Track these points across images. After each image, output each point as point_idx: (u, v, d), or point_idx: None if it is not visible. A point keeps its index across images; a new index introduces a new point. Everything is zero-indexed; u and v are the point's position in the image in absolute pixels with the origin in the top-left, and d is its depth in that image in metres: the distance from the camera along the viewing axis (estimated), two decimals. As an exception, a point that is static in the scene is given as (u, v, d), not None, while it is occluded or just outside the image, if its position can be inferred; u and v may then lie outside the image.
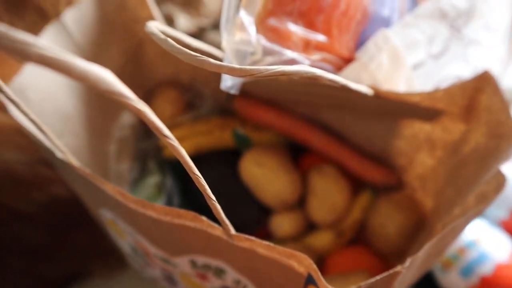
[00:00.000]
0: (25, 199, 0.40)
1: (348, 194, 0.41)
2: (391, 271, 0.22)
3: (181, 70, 0.45)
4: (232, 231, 0.23)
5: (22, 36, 0.11)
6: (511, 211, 0.49)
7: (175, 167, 0.46)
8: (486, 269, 0.43)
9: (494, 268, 0.43)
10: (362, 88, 0.28)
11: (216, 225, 0.24)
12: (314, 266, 0.22)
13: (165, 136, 0.15)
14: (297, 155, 0.48)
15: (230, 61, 0.28)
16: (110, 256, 0.52)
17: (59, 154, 0.27)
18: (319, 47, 0.30)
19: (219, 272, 0.30)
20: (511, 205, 0.49)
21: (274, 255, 0.24)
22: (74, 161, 0.27)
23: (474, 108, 0.32)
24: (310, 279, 0.24)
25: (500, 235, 0.47)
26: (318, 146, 0.44)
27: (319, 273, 0.22)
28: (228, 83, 0.27)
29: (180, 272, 0.35)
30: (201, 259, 0.30)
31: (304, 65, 0.22)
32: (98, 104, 0.40)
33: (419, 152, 0.39)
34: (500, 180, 0.25)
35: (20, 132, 0.37)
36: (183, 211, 0.24)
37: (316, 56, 0.30)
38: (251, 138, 0.46)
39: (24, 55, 0.11)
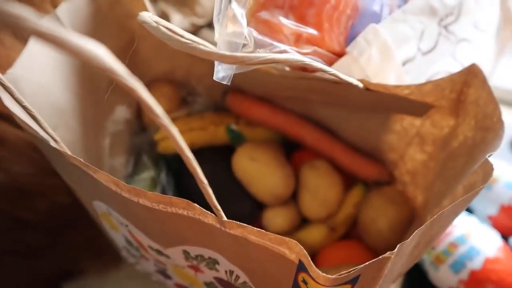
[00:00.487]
0: (28, 208, 0.41)
1: (340, 189, 0.42)
2: (380, 257, 0.22)
3: (176, 67, 0.46)
4: (224, 217, 0.24)
5: (18, 10, 0.12)
6: (500, 207, 0.50)
7: (169, 163, 0.46)
8: (476, 263, 0.44)
9: (484, 262, 0.44)
10: (351, 79, 0.28)
11: (208, 212, 0.24)
12: (305, 253, 0.22)
13: (156, 115, 0.16)
14: (290, 151, 0.48)
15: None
16: (103, 255, 0.52)
17: (52, 144, 0.27)
18: (310, 41, 0.31)
19: (212, 263, 0.30)
20: (501, 202, 0.50)
21: (265, 242, 0.24)
22: (67, 150, 0.27)
23: (462, 102, 0.33)
24: (301, 267, 0.24)
25: (489, 231, 0.47)
26: (311, 142, 0.44)
27: (309, 259, 0.22)
28: (220, 74, 0.28)
29: (173, 265, 0.35)
30: (194, 250, 0.30)
31: (295, 53, 0.23)
32: (92, 99, 0.40)
33: (410, 147, 0.40)
34: (487, 170, 0.25)
35: (31, 145, 0.38)
36: (175, 199, 0.25)
37: (307, 49, 0.30)
38: (245, 134, 0.47)
39: (20, 28, 0.12)
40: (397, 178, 0.43)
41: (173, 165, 0.46)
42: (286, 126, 0.45)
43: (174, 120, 0.45)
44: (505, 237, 0.48)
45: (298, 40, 0.30)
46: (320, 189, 0.41)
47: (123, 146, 0.43)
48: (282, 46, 0.29)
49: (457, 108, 0.34)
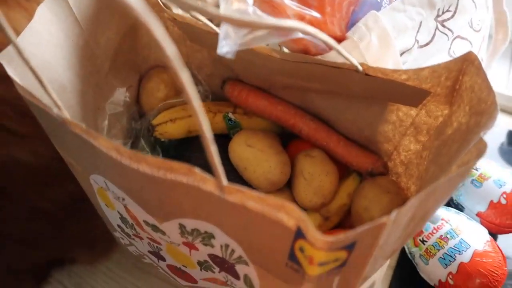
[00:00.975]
0: (46, 196, 0.41)
1: (335, 178, 0.42)
2: (376, 222, 0.22)
3: (176, 54, 0.46)
4: (224, 181, 0.24)
5: None
6: (490, 203, 0.51)
7: (167, 148, 0.46)
8: (465, 256, 0.45)
9: (472, 255, 0.45)
10: (352, 58, 0.29)
11: (208, 176, 0.24)
12: (304, 217, 0.23)
13: (168, 56, 0.16)
14: (286, 143, 0.49)
15: (227, 29, 0.29)
16: (96, 245, 0.52)
17: (55, 110, 0.28)
18: (312, 23, 0.32)
19: (208, 238, 0.31)
20: (491, 199, 0.51)
21: (264, 208, 0.24)
22: (69, 116, 0.27)
23: (457, 90, 0.34)
24: (299, 233, 0.24)
25: (477, 226, 0.48)
26: (307, 132, 0.45)
27: (308, 223, 0.22)
28: (224, 49, 0.28)
29: (167, 243, 0.35)
30: (190, 223, 0.30)
31: (301, 23, 0.23)
32: (93, 80, 0.40)
33: (405, 137, 0.40)
34: (481, 148, 0.26)
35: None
36: (176, 164, 0.25)
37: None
38: (242, 123, 0.47)
39: None
40: (391, 169, 0.44)
41: (170, 150, 0.46)
42: (283, 116, 0.46)
43: (173, 105, 0.45)
44: (492, 235, 0.49)
45: (301, 22, 0.31)
46: (315, 177, 0.41)
47: (121, 129, 0.43)
48: (285, 25, 0.30)
49: (452, 96, 0.35)
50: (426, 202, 0.25)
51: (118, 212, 0.35)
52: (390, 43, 0.34)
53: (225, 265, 0.33)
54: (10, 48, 0.32)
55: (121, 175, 0.29)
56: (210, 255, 0.33)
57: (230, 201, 0.25)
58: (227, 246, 0.30)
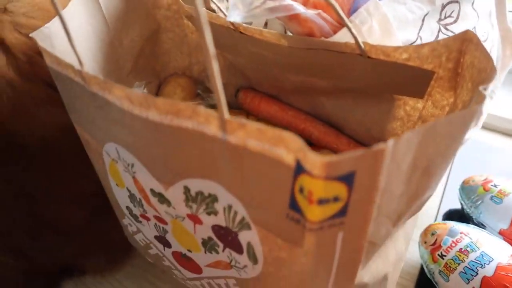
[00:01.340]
0: (91, 178, 0.40)
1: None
2: (374, 148, 0.22)
3: (194, 62, 0.50)
4: (226, 114, 0.25)
5: None
6: (511, 220, 0.49)
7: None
8: (488, 270, 0.42)
9: (496, 269, 0.42)
10: (354, 32, 0.31)
11: (211, 113, 0.25)
12: (302, 145, 0.23)
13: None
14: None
15: (236, 4, 0.32)
16: (107, 253, 0.52)
17: (77, 67, 0.30)
18: (316, 6, 0.34)
19: (212, 202, 0.31)
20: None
21: (264, 145, 0.25)
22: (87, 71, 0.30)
23: (460, 73, 0.35)
24: (298, 168, 0.24)
25: (499, 240, 0.46)
26: (317, 136, 0.46)
27: (306, 149, 0.22)
28: (232, 18, 0.31)
29: (172, 222, 0.35)
30: (195, 184, 0.30)
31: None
32: (115, 77, 0.43)
33: (413, 132, 0.41)
34: (480, 99, 0.27)
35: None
36: (183, 105, 0.26)
37: (314, 11, 0.34)
38: (254, 129, 0.48)
39: None
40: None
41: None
42: (293, 121, 0.47)
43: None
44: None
45: (306, 4, 0.34)
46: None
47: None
48: (290, 1, 0.32)
49: (456, 81, 0.35)
50: (426, 144, 0.25)
51: (127, 189, 0.36)
52: (391, 30, 0.36)
53: (228, 237, 0.32)
54: (41, 30, 0.35)
55: (131, 132, 0.30)
56: (214, 227, 0.33)
57: (232, 143, 0.26)
58: (230, 207, 0.30)
